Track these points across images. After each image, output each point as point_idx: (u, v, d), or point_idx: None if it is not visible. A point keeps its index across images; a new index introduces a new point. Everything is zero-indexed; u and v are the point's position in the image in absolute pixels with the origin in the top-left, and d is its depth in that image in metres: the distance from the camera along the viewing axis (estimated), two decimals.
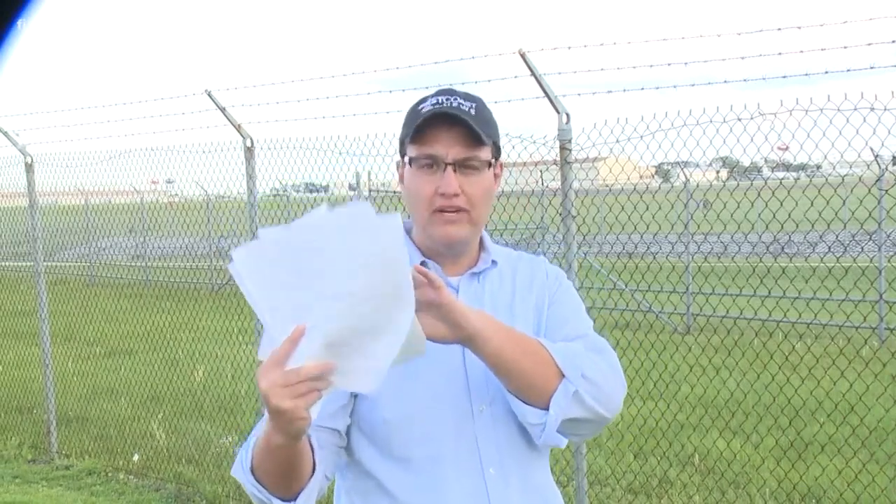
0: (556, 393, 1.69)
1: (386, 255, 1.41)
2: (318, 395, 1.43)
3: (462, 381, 1.76)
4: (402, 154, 1.83)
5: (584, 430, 1.78)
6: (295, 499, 1.64)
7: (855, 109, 4.03)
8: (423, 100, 1.80)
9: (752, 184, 6.71)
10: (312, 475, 1.66)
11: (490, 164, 1.79)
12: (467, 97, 1.79)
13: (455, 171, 1.74)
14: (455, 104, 1.76)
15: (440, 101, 1.76)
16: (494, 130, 1.81)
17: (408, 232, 1.89)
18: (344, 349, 1.43)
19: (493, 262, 1.88)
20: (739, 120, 4.39)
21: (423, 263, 1.82)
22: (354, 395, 1.76)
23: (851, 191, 6.20)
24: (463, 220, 1.76)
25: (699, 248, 12.66)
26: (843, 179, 5.32)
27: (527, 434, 1.77)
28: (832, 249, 6.03)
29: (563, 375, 1.69)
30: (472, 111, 1.76)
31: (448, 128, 1.73)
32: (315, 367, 1.40)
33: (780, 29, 4.27)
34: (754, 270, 6.04)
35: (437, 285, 1.56)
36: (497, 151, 1.82)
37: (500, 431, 1.76)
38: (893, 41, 3.69)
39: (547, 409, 1.69)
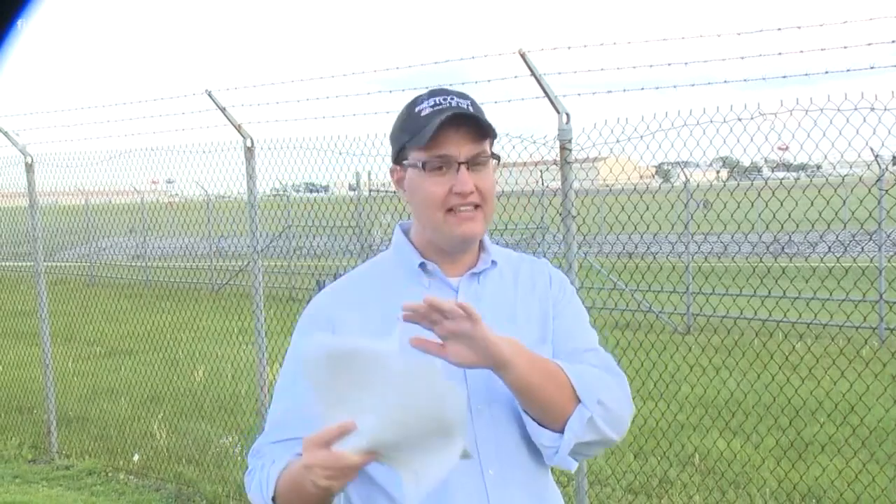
0: (571, 418, 1.71)
1: (444, 414, 1.46)
2: (353, 477, 1.52)
3: (460, 382, 1.75)
4: (401, 158, 1.82)
5: (591, 451, 1.81)
6: None
7: (855, 109, 4.03)
8: (418, 101, 1.80)
9: (752, 184, 6.72)
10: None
11: (497, 158, 1.82)
12: (460, 95, 1.81)
13: (468, 168, 1.76)
14: (454, 103, 1.76)
15: (438, 101, 1.77)
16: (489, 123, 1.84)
17: (405, 232, 1.89)
18: (389, 453, 1.50)
19: (493, 262, 1.88)
20: (739, 120, 4.39)
21: (421, 265, 1.83)
22: None
23: (851, 191, 6.20)
24: (478, 216, 1.79)
25: (699, 248, 12.66)
26: (843, 179, 5.32)
27: (527, 435, 1.77)
28: (832, 249, 6.03)
29: (580, 401, 1.71)
30: (471, 108, 1.77)
31: (455, 128, 1.74)
32: (358, 459, 1.48)
33: (780, 29, 4.27)
34: (754, 270, 6.04)
35: (473, 318, 1.59)
36: (492, 143, 1.85)
37: (500, 432, 1.76)
38: (893, 41, 3.69)
39: (561, 432, 1.72)
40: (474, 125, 1.76)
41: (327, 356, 1.48)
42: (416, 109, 1.78)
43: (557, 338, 1.85)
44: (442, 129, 1.74)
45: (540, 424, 1.73)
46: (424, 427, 1.47)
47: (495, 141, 1.87)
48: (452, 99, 1.77)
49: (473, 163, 1.76)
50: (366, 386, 1.47)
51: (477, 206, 1.78)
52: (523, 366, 1.66)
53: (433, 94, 1.81)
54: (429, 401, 1.45)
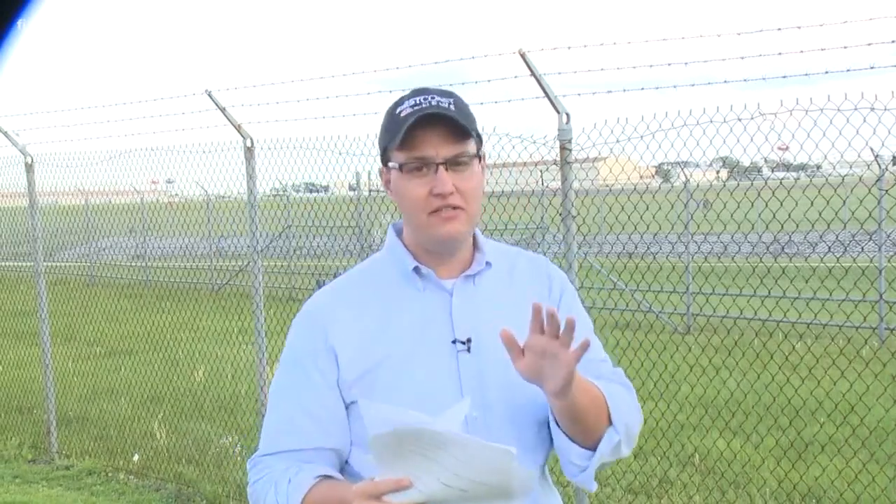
0: (603, 440, 1.72)
1: (511, 491, 1.49)
2: None
3: (455, 387, 1.74)
4: (386, 160, 1.81)
5: (604, 468, 1.85)
6: None
7: (855, 109, 4.03)
8: (399, 102, 1.78)
9: (752, 184, 6.71)
10: None
11: (479, 157, 1.78)
12: (443, 93, 1.78)
13: (447, 169, 1.73)
14: (434, 102, 1.74)
15: (418, 101, 1.74)
16: (474, 122, 1.80)
17: (398, 234, 1.88)
18: None
19: (488, 263, 1.85)
20: (739, 120, 4.39)
21: (415, 269, 1.82)
22: (348, 407, 1.78)
23: (851, 191, 6.20)
24: (460, 216, 1.75)
25: (699, 248, 12.66)
26: (843, 179, 5.31)
27: (524, 439, 1.76)
28: (832, 249, 6.03)
29: (611, 423, 1.72)
30: (452, 107, 1.74)
31: (433, 128, 1.72)
32: None
33: (780, 29, 4.27)
34: (754, 270, 6.04)
35: (579, 356, 1.56)
36: (480, 142, 1.81)
37: (494, 439, 1.75)
38: (893, 41, 3.69)
39: (590, 449, 1.72)
40: (451, 125, 1.73)
41: (395, 433, 1.47)
42: (398, 111, 1.76)
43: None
44: (418, 130, 1.71)
45: (573, 441, 1.73)
46: (486, 493, 1.49)
47: (496, 140, 1.86)
48: (433, 98, 1.74)
49: (454, 163, 1.73)
50: (430, 457, 1.47)
51: (460, 208, 1.75)
52: (578, 393, 1.64)
53: (415, 93, 1.78)
54: (499, 479, 1.47)
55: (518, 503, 1.50)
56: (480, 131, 1.84)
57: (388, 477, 1.49)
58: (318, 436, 1.77)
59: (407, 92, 1.82)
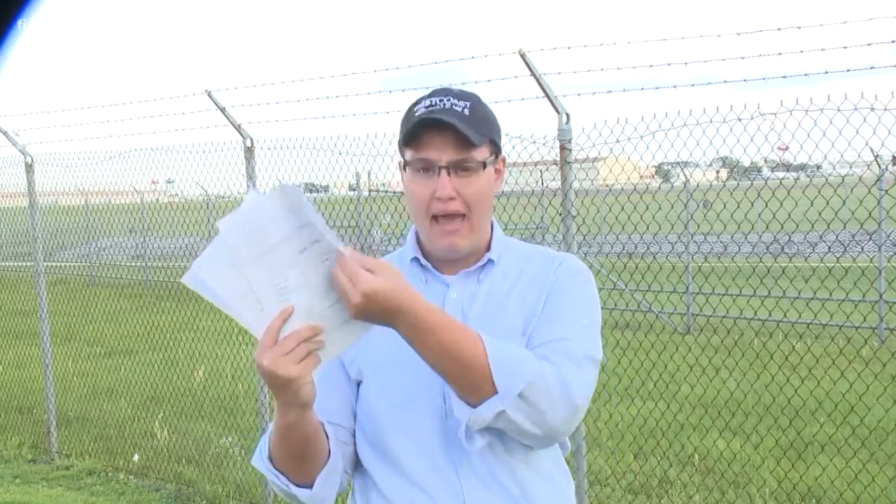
0: (481, 405, 1.61)
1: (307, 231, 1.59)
2: (318, 359, 1.52)
3: (438, 379, 1.69)
4: (403, 156, 1.82)
5: (530, 442, 1.71)
6: (311, 485, 1.69)
7: (855, 109, 4.03)
8: (419, 101, 1.79)
9: (752, 184, 6.71)
10: (328, 462, 1.70)
11: (485, 165, 1.76)
12: (462, 95, 1.77)
13: (450, 173, 1.73)
14: (448, 105, 1.73)
15: (433, 102, 1.75)
16: (491, 128, 1.79)
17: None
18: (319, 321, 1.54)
19: (490, 261, 1.84)
20: (739, 120, 4.39)
21: (414, 259, 1.85)
22: (357, 386, 1.82)
23: (851, 191, 6.20)
24: (463, 228, 1.76)
25: (699, 248, 12.67)
26: (843, 179, 5.32)
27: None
28: (832, 249, 6.03)
29: (497, 392, 1.61)
30: (466, 111, 1.74)
31: (440, 131, 1.72)
32: (306, 329, 1.50)
33: (780, 29, 4.27)
34: (754, 270, 6.04)
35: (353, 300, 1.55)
36: (496, 148, 1.80)
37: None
38: (893, 41, 3.69)
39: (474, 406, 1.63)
40: (460, 130, 1.71)
41: (220, 243, 1.56)
42: (415, 109, 1.77)
43: (541, 319, 1.76)
44: (425, 132, 1.72)
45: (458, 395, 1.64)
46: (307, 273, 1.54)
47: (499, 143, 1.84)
48: (448, 100, 1.74)
49: (458, 168, 1.73)
50: (257, 242, 1.54)
51: (463, 217, 1.75)
52: (429, 339, 1.56)
53: (434, 93, 1.79)
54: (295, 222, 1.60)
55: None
56: (499, 136, 1.82)
57: (256, 310, 1.52)
58: (328, 407, 1.77)
59: (426, 91, 1.83)
